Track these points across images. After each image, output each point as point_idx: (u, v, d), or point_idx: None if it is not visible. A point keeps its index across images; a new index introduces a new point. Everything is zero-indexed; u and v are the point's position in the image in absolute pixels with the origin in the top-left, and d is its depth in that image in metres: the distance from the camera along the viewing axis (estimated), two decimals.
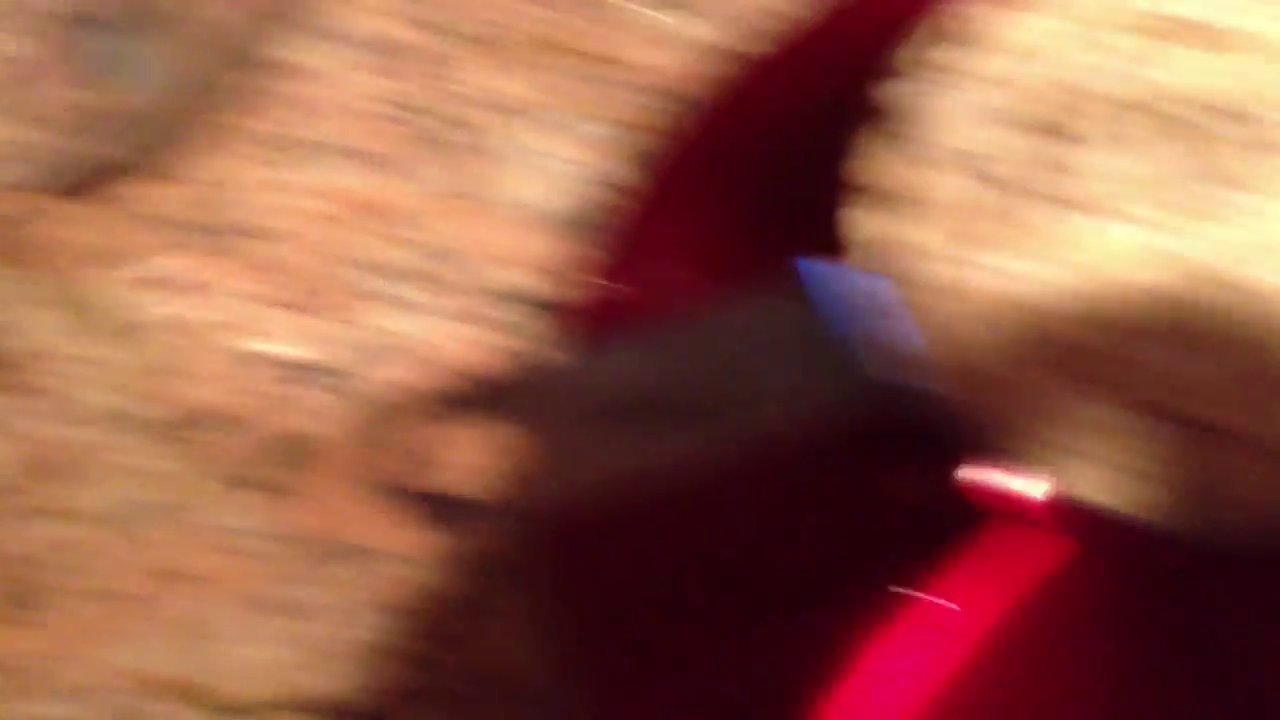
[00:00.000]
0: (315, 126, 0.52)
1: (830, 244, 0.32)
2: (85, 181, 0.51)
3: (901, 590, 0.33)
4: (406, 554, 0.46)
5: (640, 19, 0.52)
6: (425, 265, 0.50)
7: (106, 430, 0.48)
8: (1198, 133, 0.30)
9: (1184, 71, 0.31)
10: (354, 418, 0.48)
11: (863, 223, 0.32)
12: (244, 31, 0.52)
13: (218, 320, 0.50)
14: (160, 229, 0.51)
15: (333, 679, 0.46)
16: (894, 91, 0.32)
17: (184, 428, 0.48)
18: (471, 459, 0.34)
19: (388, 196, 0.51)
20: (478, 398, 0.33)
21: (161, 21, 0.50)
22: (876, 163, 0.32)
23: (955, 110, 0.32)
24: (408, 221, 0.51)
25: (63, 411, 0.49)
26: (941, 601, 0.32)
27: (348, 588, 0.47)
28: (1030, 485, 0.29)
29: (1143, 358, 0.30)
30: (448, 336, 0.49)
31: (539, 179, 0.51)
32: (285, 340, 0.50)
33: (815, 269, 0.31)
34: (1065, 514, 0.30)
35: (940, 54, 0.33)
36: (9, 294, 0.50)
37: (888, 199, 0.32)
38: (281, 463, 0.48)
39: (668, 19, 0.50)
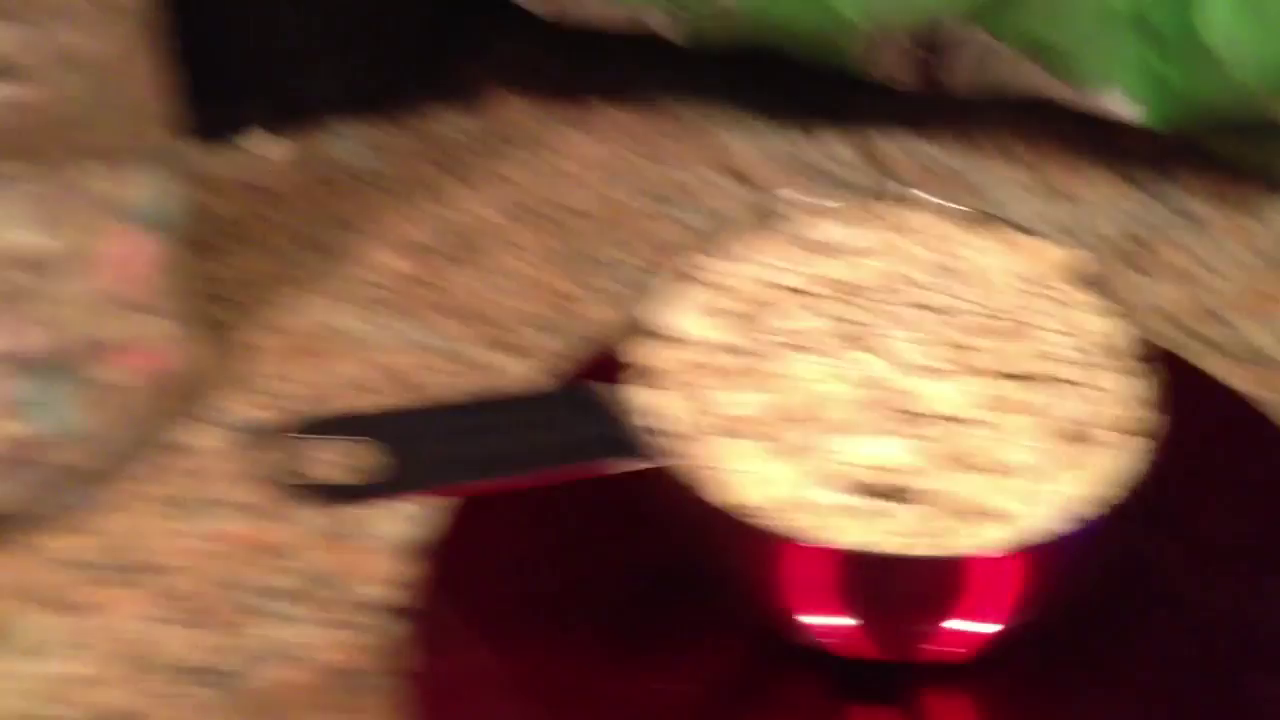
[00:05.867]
0: (206, 488, 0.53)
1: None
2: (7, 532, 0.51)
3: None
4: None
5: None
6: (303, 586, 0.50)
7: None
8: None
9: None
10: (239, 709, 0.46)
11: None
12: (142, 395, 0.53)
13: (117, 637, 0.48)
14: (70, 569, 0.50)
15: None
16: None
17: None
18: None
19: (271, 537, 0.51)
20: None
21: (74, 372, 0.51)
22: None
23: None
24: (286, 555, 0.51)
25: None
26: None
27: None
28: None
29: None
30: (321, 640, 0.48)
31: (391, 518, 0.51)
32: (177, 650, 0.48)
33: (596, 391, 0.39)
34: None
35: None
36: None
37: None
38: None
39: None
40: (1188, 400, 0.38)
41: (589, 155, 0.65)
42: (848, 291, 0.39)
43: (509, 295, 0.59)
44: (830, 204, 0.42)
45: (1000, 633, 0.38)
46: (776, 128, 0.66)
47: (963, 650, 0.39)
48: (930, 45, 0.61)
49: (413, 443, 0.36)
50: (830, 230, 0.41)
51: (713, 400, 0.38)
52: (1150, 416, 0.37)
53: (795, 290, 0.39)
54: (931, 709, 0.41)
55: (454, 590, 0.45)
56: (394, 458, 0.36)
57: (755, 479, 0.36)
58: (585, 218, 0.62)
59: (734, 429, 0.37)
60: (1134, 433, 0.37)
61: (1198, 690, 0.41)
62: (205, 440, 0.54)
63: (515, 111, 0.67)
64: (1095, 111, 0.61)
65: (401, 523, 0.51)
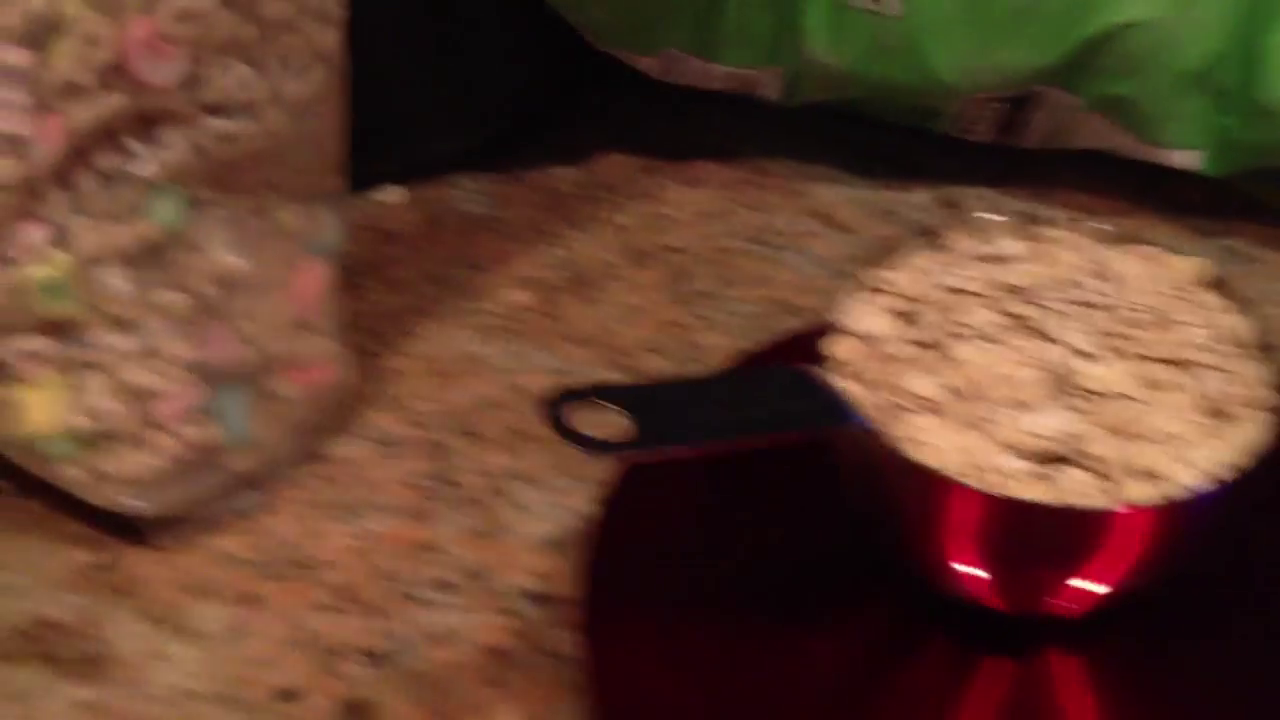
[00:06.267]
0: (358, 494, 0.58)
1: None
2: (179, 533, 0.56)
3: None
4: None
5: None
6: (451, 577, 0.54)
7: (179, 706, 0.50)
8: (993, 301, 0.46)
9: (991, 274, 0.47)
10: (399, 686, 0.50)
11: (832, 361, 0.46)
12: (304, 408, 0.57)
13: (282, 624, 0.53)
14: (238, 566, 0.55)
15: None
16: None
17: (254, 702, 0.50)
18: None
19: (420, 536, 0.56)
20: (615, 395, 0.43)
21: (251, 384, 0.55)
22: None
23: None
24: (436, 551, 0.55)
25: (144, 694, 0.50)
26: None
27: None
28: None
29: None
30: (473, 625, 0.52)
31: (530, 518, 0.56)
32: (337, 635, 0.52)
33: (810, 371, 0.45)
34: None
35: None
36: (107, 615, 0.53)
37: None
38: None
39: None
40: None
41: (693, 204, 0.70)
42: (1014, 292, 0.46)
43: (624, 324, 0.64)
44: (994, 223, 0.49)
45: (1136, 587, 0.43)
46: (867, 181, 0.71)
47: (1102, 603, 0.44)
48: (1013, 103, 0.66)
49: (657, 410, 0.42)
50: (995, 245, 0.47)
51: (901, 384, 0.43)
52: (1273, 396, 0.43)
53: (967, 292, 0.45)
54: (1055, 664, 0.47)
55: (610, 569, 0.50)
56: (645, 424, 0.41)
57: (943, 447, 0.41)
58: (692, 258, 0.67)
59: (922, 406, 0.42)
60: (1262, 409, 0.42)
61: None
62: (355, 451, 0.59)
63: (622, 165, 0.72)
64: (1160, 163, 0.66)
65: (541, 522, 0.55)
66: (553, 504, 0.56)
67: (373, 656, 0.51)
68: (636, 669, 0.47)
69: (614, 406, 0.41)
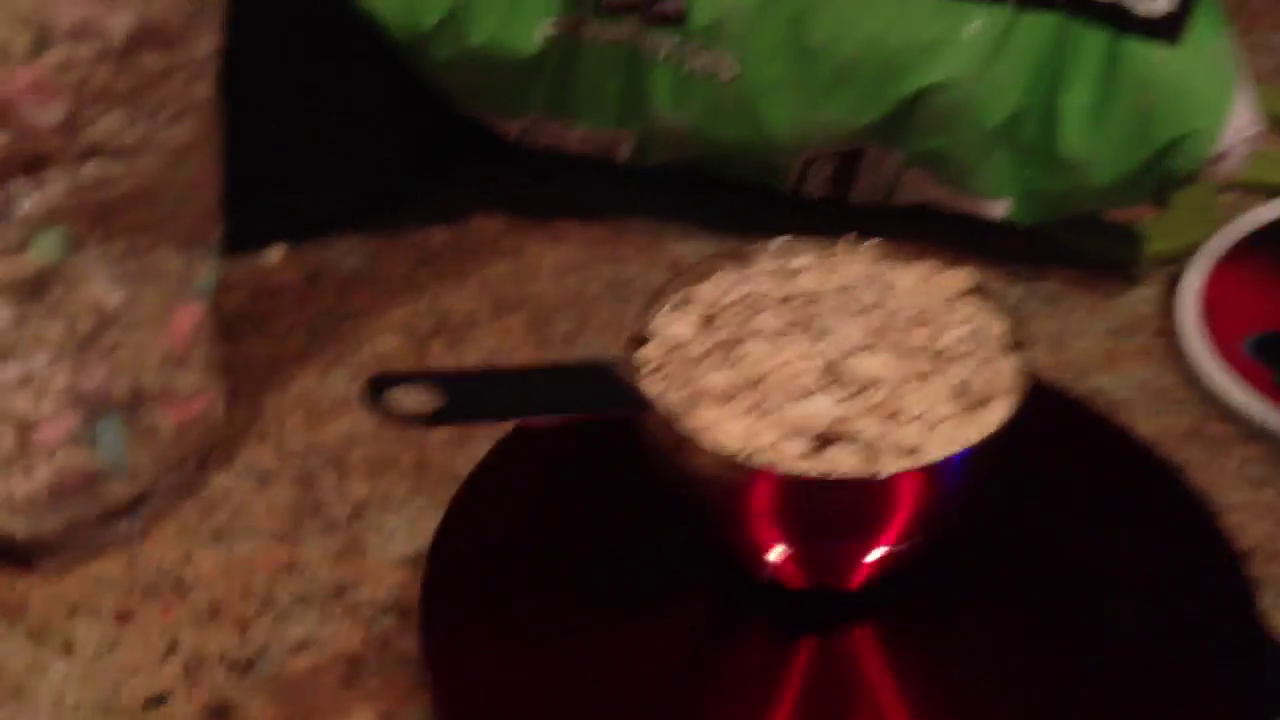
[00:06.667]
0: (228, 521, 0.61)
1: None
2: (60, 558, 0.59)
3: None
4: None
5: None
6: (316, 593, 0.58)
7: (59, 715, 0.53)
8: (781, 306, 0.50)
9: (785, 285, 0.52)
10: (261, 689, 0.54)
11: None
12: (178, 439, 0.61)
13: (155, 637, 0.56)
14: (114, 587, 0.58)
15: None
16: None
17: (126, 708, 0.54)
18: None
19: (286, 558, 0.60)
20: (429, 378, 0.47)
21: (127, 414, 0.58)
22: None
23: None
24: (300, 570, 0.59)
25: (27, 705, 0.54)
26: None
27: None
28: None
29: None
30: (334, 634, 0.56)
31: (389, 540, 0.60)
32: (205, 645, 0.56)
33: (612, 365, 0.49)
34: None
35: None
36: None
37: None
38: None
39: None
40: (1040, 404, 0.49)
41: (554, 258, 0.75)
42: (803, 299, 0.50)
43: (487, 364, 0.68)
44: (793, 244, 0.54)
45: (906, 553, 0.49)
46: (715, 237, 0.76)
47: (881, 570, 0.49)
48: (842, 159, 0.71)
49: (467, 391, 0.46)
50: (793, 261, 0.53)
51: (697, 379, 0.48)
52: (1020, 382, 0.49)
53: (761, 298, 0.50)
54: (857, 638, 0.52)
55: (453, 580, 0.54)
56: (453, 401, 0.46)
57: (731, 432, 0.45)
58: (555, 307, 0.72)
59: (715, 398, 0.47)
60: (1010, 393, 0.48)
61: (1067, 611, 0.52)
62: (230, 482, 0.62)
63: (489, 225, 0.77)
64: (976, 212, 0.71)
65: (398, 543, 0.59)
66: (410, 526, 0.60)
67: (236, 664, 0.55)
68: (471, 665, 0.51)
69: (428, 386, 0.46)
